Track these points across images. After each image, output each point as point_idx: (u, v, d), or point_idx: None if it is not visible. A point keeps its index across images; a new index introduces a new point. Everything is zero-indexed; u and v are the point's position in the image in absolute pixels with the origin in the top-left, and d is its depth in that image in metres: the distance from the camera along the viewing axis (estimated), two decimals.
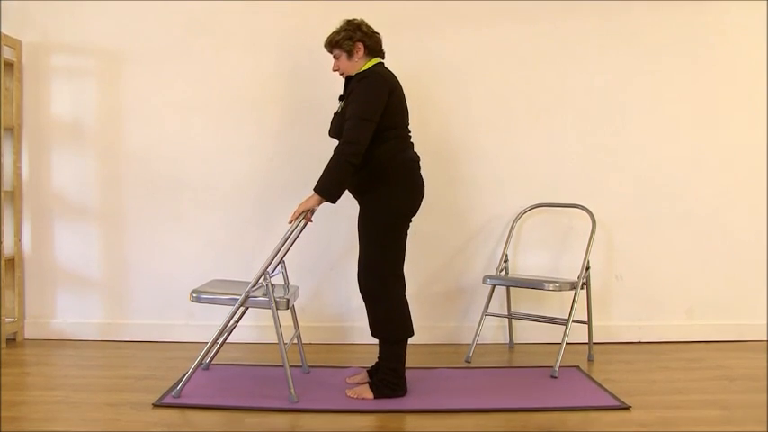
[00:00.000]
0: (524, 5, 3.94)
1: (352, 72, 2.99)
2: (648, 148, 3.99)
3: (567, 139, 3.97)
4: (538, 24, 3.95)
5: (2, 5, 3.85)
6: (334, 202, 2.93)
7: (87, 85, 3.94)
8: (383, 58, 3.06)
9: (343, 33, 2.96)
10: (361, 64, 2.98)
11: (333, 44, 2.99)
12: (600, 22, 3.95)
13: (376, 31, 3.03)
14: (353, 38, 2.96)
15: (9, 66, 3.82)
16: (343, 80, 3.07)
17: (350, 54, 2.97)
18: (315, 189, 2.85)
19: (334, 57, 3.02)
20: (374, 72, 2.92)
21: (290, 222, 2.93)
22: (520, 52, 3.95)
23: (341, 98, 3.06)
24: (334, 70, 3.06)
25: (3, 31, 3.76)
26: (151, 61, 3.92)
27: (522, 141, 3.96)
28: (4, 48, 3.74)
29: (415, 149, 3.02)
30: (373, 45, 3.00)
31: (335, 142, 3.00)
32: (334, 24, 3.81)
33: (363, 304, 3.00)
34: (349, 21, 3.00)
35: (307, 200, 2.88)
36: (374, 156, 2.86)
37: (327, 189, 2.84)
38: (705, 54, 3.99)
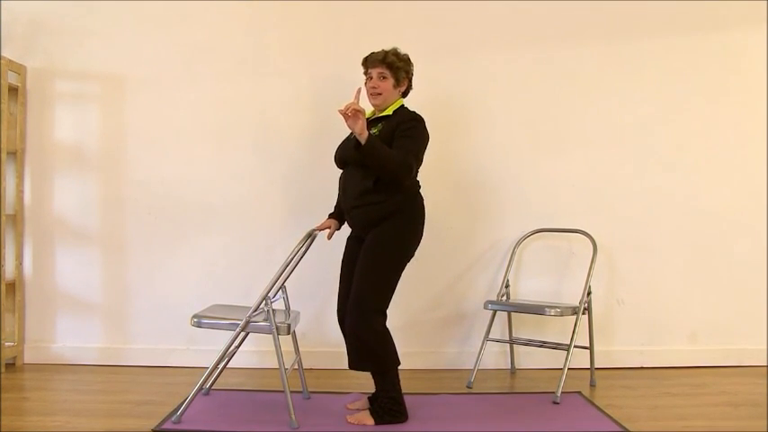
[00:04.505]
0: (527, 34, 3.99)
1: (386, 99, 2.99)
2: (649, 172, 4.00)
3: (567, 164, 3.99)
4: (540, 53, 3.98)
5: (8, 31, 3.89)
6: (361, 155, 2.80)
7: (90, 110, 3.97)
8: None
9: (402, 63, 3.00)
10: (396, 98, 3.03)
11: (389, 65, 2.98)
12: (601, 49, 3.99)
13: None
14: (409, 73, 3.04)
15: (13, 90, 3.85)
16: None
17: (397, 83, 3.00)
18: (365, 139, 2.72)
19: (378, 74, 2.98)
20: (421, 118, 2.96)
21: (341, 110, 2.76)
22: (522, 80, 3.99)
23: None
24: (373, 87, 2.99)
25: (8, 56, 3.80)
26: (154, 87, 3.95)
27: (522, 166, 3.98)
28: (9, 73, 3.77)
29: (418, 175, 3.04)
30: (409, 88, 3.10)
31: (332, 166, 3.03)
32: (337, 52, 3.91)
33: None
34: (407, 56, 3.04)
35: (360, 125, 2.70)
36: (401, 188, 2.89)
37: (371, 147, 2.73)
38: (707, 78, 4.02)
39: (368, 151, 2.75)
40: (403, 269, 2.94)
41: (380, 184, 2.86)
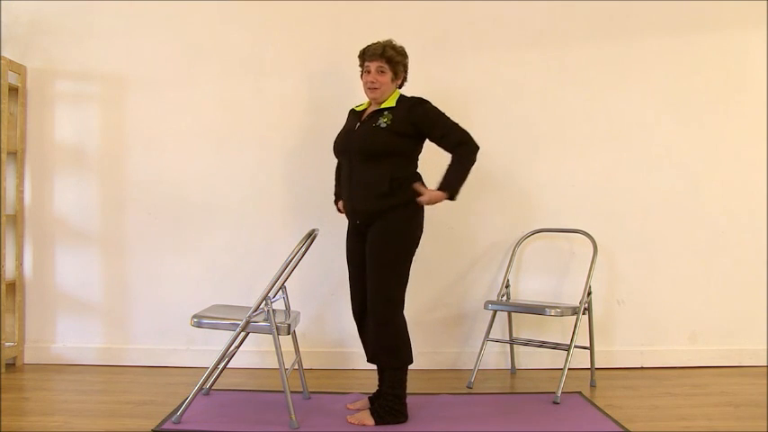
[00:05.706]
0: (527, 34, 3.98)
1: (384, 93, 2.99)
2: (649, 172, 4.00)
3: (567, 164, 3.98)
4: (539, 53, 3.98)
5: (8, 31, 3.89)
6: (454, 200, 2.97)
7: (91, 110, 3.96)
8: None
9: (401, 58, 3.02)
10: (393, 90, 3.03)
11: (388, 59, 2.98)
12: (601, 49, 3.99)
13: None
14: (405, 66, 3.06)
15: (14, 90, 3.85)
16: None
17: (395, 77, 3.01)
18: (442, 188, 2.89)
19: (377, 68, 2.97)
20: (425, 99, 2.99)
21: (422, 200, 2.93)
22: (522, 80, 3.98)
23: (362, 117, 3.05)
24: (372, 81, 2.98)
25: (8, 56, 3.79)
26: (154, 87, 3.95)
27: (523, 166, 3.98)
28: (10, 73, 3.77)
29: (418, 168, 3.07)
30: (404, 80, 3.12)
31: (332, 166, 3.02)
32: (338, 52, 3.90)
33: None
34: (403, 49, 3.05)
35: (437, 197, 2.90)
36: (407, 175, 2.92)
37: (456, 188, 2.93)
38: (707, 78, 4.02)
39: (453, 189, 2.93)
40: (413, 257, 2.95)
41: (385, 175, 2.87)
